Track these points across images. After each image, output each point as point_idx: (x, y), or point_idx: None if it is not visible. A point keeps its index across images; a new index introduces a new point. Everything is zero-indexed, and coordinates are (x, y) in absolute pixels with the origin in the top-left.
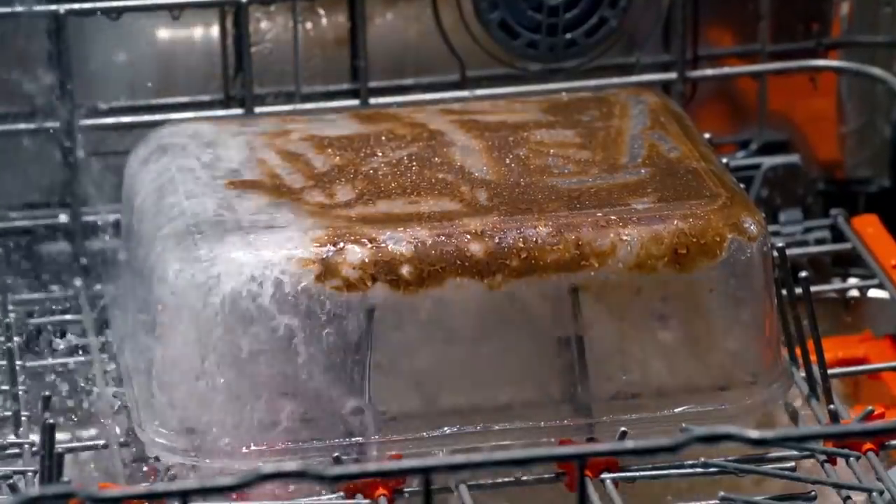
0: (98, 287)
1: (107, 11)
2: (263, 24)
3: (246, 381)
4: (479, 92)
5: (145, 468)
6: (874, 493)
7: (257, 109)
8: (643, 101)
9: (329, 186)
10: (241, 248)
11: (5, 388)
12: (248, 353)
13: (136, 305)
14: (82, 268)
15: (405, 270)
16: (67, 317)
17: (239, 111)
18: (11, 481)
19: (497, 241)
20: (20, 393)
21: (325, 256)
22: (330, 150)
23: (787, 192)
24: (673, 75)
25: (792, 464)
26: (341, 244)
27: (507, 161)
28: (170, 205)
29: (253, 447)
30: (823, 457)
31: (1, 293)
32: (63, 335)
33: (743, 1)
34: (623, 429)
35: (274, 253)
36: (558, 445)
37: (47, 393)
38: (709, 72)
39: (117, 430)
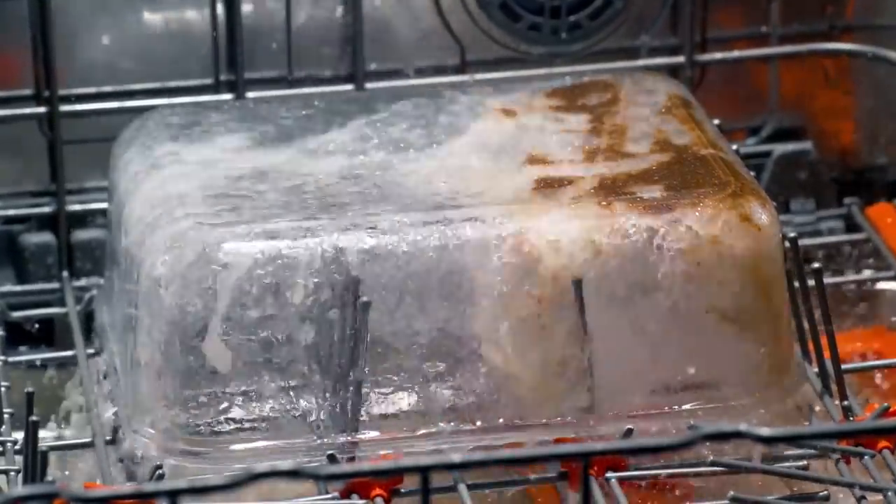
0: (84, 280)
1: None
2: (255, 6)
3: (239, 378)
4: (480, 76)
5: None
6: (890, 493)
7: (248, 94)
8: (650, 85)
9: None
10: (233, 240)
11: None
12: (241, 348)
13: (123, 298)
14: (67, 259)
15: (402, 264)
16: (52, 310)
17: (229, 96)
18: None
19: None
20: (3, 389)
21: (316, 248)
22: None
23: (799, 181)
24: (681, 59)
25: (804, 462)
26: (336, 235)
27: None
28: (157, 193)
29: (247, 445)
30: (837, 455)
31: None
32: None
33: None
34: (629, 426)
35: (268, 245)
36: (561, 443)
37: (31, 389)
38: (717, 55)
39: (104, 427)
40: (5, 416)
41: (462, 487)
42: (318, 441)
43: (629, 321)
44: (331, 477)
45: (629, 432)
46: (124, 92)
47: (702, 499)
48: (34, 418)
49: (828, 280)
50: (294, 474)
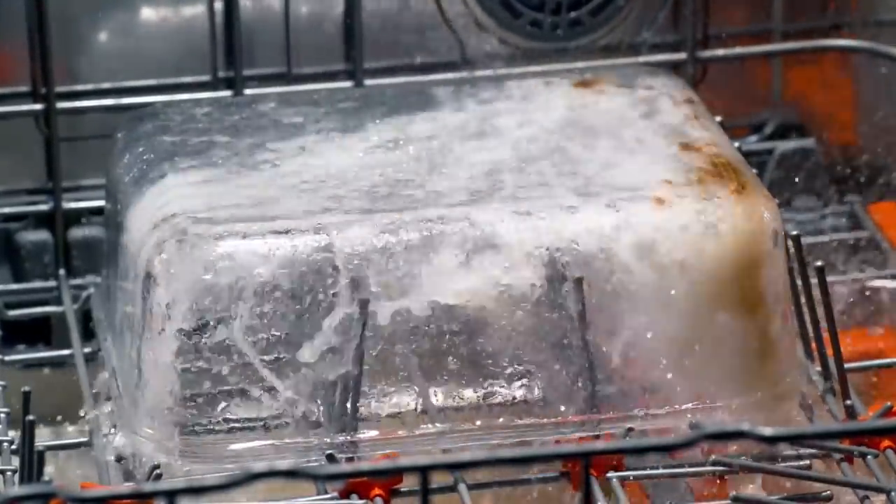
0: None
1: None
2: (253, 2)
3: (237, 377)
4: (480, 73)
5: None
6: (893, 494)
7: (247, 91)
8: (652, 82)
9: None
10: (231, 238)
11: None
12: (239, 347)
13: (120, 296)
14: (64, 257)
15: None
16: (49, 308)
17: (227, 93)
18: None
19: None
20: None
21: (314, 247)
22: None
23: (801, 178)
24: (683, 56)
25: (806, 462)
26: (334, 233)
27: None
28: (155, 191)
29: (245, 445)
30: (839, 455)
31: None
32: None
33: None
34: (630, 426)
35: (267, 243)
36: (562, 443)
37: (27, 388)
38: (720, 52)
39: (102, 427)
40: (2, 415)
41: (462, 487)
42: (317, 441)
43: (630, 319)
44: (329, 477)
45: (630, 432)
46: (121, 89)
47: None
48: (31, 417)
49: (830, 278)
50: (292, 474)
